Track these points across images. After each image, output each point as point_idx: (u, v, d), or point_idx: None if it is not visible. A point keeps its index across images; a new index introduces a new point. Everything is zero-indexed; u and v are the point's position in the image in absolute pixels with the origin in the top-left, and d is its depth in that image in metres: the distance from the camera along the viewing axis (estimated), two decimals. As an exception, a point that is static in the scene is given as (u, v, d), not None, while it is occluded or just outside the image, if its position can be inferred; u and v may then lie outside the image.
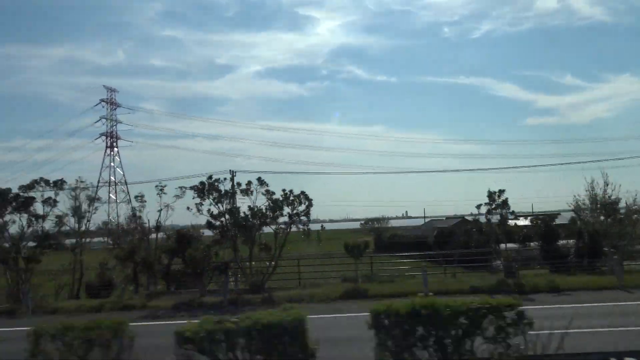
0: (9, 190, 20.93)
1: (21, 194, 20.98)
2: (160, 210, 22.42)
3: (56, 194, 21.46)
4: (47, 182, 21.38)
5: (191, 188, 20.87)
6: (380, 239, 63.18)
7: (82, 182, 21.81)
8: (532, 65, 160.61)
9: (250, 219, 20.22)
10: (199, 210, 21.21)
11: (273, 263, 20.68)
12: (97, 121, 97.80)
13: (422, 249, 37.07)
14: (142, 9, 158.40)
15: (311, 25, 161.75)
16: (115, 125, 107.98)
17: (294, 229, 20.78)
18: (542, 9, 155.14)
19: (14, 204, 20.48)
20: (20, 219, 21.14)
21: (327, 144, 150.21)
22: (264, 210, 20.29)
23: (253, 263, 21.14)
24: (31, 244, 20.92)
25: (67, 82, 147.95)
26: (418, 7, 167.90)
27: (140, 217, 22.48)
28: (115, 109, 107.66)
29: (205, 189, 20.87)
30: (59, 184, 21.34)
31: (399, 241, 47.87)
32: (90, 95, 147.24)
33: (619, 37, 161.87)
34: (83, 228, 22.15)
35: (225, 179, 21.06)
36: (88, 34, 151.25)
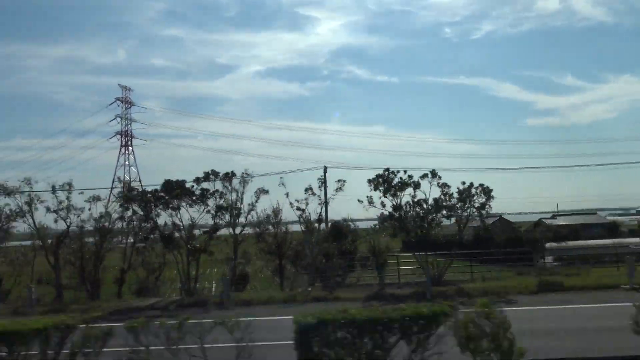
0: (184, 181, 20.89)
1: (195, 185, 20.97)
2: (323, 204, 22.44)
3: (225, 187, 21.41)
4: (216, 174, 21.31)
5: (369, 181, 20.89)
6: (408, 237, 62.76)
7: (247, 174, 21.73)
8: (532, 65, 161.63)
9: (432, 212, 20.24)
10: (370, 202, 21.22)
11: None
12: (112, 120, 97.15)
13: (462, 248, 36.96)
14: (142, 9, 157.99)
15: (311, 25, 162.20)
16: (130, 123, 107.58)
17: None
18: (543, 9, 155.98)
19: (193, 196, 20.44)
20: (187, 211, 21.12)
21: (328, 143, 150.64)
22: (440, 203, 20.34)
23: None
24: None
25: (68, 81, 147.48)
26: (419, 8, 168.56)
27: (304, 210, 22.40)
28: (129, 108, 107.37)
29: (380, 181, 20.88)
30: (229, 176, 21.27)
31: (430, 239, 47.02)
32: (90, 95, 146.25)
33: (620, 37, 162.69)
34: (245, 220, 22.08)
35: (398, 171, 21.05)
36: (89, 34, 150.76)
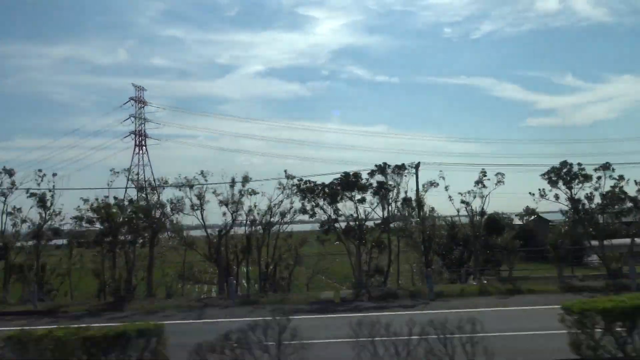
0: (359, 174, 20.80)
1: (369, 179, 20.90)
2: (485, 197, 22.37)
3: (393, 179, 21.32)
4: (387, 166, 21.22)
5: (542, 175, 20.96)
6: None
7: (411, 166, 21.62)
8: (533, 65, 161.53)
9: (612, 205, 20.29)
10: (542, 196, 21.27)
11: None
12: (126, 119, 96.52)
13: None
14: (143, 9, 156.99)
15: (312, 25, 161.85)
16: (144, 123, 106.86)
17: None
18: (543, 9, 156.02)
19: (370, 189, 20.38)
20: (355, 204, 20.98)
21: (329, 142, 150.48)
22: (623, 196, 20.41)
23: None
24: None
25: (71, 82, 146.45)
26: (419, 8, 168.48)
27: (468, 203, 22.33)
28: (143, 107, 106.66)
29: (553, 175, 20.92)
30: (401, 168, 21.18)
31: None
32: (91, 95, 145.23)
33: (620, 38, 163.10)
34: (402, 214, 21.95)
35: (571, 164, 21.07)
36: (90, 34, 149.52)
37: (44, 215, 21.46)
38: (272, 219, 22.16)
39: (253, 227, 22.44)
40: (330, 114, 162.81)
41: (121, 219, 20.27)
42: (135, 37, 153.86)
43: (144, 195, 22.01)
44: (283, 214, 22.00)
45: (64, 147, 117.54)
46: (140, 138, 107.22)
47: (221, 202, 21.05)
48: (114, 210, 20.19)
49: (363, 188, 20.12)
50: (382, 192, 20.53)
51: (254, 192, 21.94)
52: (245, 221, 22.23)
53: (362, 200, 20.05)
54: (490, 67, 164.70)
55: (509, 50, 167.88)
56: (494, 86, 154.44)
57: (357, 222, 20.58)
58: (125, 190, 24.04)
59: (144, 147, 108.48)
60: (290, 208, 21.58)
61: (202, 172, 20.77)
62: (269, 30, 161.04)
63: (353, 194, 20.40)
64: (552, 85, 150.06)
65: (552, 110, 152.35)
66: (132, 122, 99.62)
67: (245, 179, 20.81)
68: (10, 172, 21.10)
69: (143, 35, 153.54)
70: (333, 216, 20.16)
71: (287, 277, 25.72)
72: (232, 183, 20.61)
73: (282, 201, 21.70)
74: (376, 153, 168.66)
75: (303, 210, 20.51)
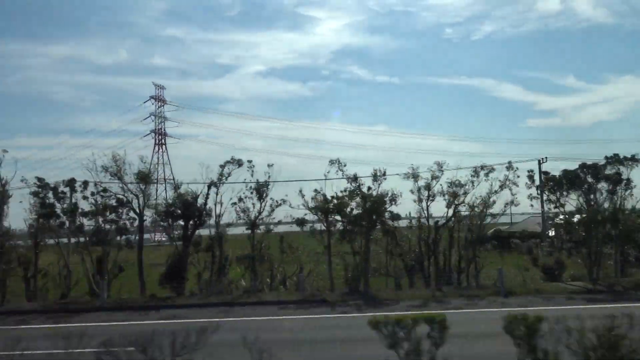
0: (596, 164, 20.30)
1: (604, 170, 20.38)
2: None
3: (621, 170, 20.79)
4: (619, 157, 20.68)
5: None
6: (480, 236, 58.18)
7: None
8: (534, 66, 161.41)
9: None
10: None
11: None
12: (146, 118, 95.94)
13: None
14: (144, 8, 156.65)
15: (313, 25, 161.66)
16: (163, 122, 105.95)
17: None
18: (544, 10, 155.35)
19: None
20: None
21: (330, 142, 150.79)
22: None
23: None
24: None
25: (75, 81, 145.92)
26: (420, 8, 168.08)
27: None
28: (162, 106, 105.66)
29: None
30: (632, 159, 20.60)
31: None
32: (91, 94, 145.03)
33: (621, 39, 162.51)
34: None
35: None
36: (91, 33, 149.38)
37: (259, 206, 21.09)
38: (486, 210, 21.63)
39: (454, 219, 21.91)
40: (331, 114, 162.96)
41: (361, 209, 19.85)
42: (136, 36, 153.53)
43: (352, 185, 21.53)
44: (488, 206, 21.41)
45: (74, 146, 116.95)
46: (160, 137, 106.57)
47: (448, 194, 20.56)
48: (356, 201, 19.82)
49: (611, 179, 19.60)
50: (621, 183, 20.03)
51: (464, 184, 21.32)
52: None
53: (613, 192, 19.54)
54: (491, 68, 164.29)
55: (510, 50, 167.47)
56: (494, 87, 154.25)
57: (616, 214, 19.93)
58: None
59: (163, 146, 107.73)
60: (511, 200, 21.03)
61: (437, 163, 20.30)
62: (270, 30, 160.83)
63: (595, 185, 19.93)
64: (552, 86, 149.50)
65: (553, 111, 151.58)
66: (152, 121, 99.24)
67: (491, 169, 20.25)
68: (239, 162, 20.76)
69: (144, 35, 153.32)
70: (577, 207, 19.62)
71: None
72: (475, 173, 20.09)
73: (498, 192, 21.16)
74: (377, 152, 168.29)
75: (549, 201, 19.97)
